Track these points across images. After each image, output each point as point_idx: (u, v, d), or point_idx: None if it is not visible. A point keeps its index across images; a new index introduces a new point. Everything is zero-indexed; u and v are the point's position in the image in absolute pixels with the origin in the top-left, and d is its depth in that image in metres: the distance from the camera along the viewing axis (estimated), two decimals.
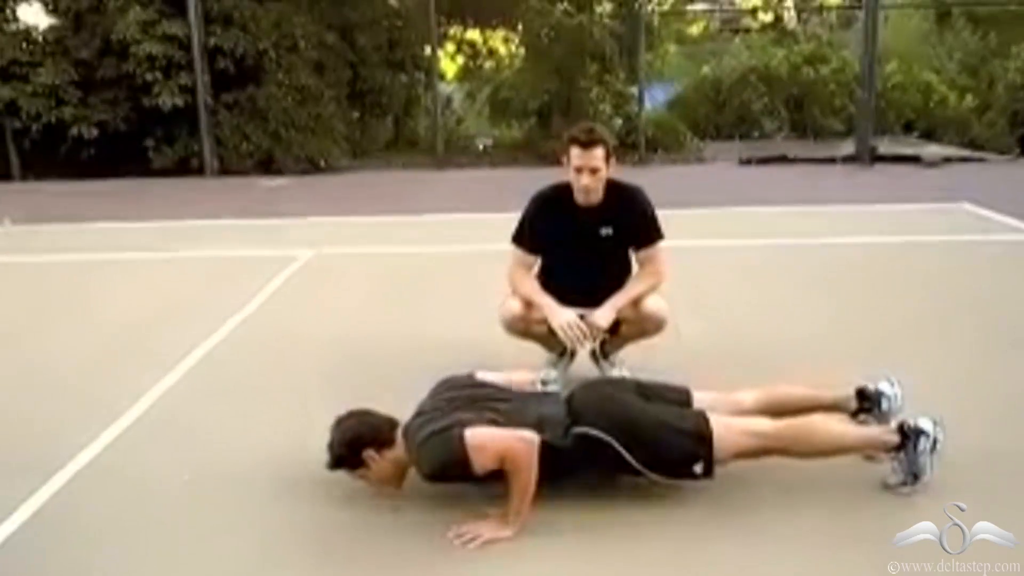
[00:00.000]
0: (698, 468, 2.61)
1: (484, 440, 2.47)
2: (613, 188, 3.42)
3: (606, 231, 3.43)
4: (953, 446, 2.67)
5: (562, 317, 3.27)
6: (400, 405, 3.05)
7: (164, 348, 4.38)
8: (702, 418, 2.67)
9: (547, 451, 2.53)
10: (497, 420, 2.60)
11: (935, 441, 2.63)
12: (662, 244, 3.49)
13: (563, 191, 3.44)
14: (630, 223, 3.44)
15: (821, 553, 2.37)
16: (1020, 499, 2.65)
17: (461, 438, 2.47)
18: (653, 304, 3.41)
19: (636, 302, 3.39)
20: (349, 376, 3.88)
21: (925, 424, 2.64)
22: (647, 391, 2.84)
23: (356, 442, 2.65)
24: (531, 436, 2.48)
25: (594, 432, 2.61)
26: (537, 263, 3.58)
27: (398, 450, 2.65)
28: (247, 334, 4.70)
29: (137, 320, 5.01)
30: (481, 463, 2.47)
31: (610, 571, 2.35)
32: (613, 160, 3.35)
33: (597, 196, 3.38)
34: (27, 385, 3.99)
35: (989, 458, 2.87)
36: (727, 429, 2.64)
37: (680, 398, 2.86)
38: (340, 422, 2.72)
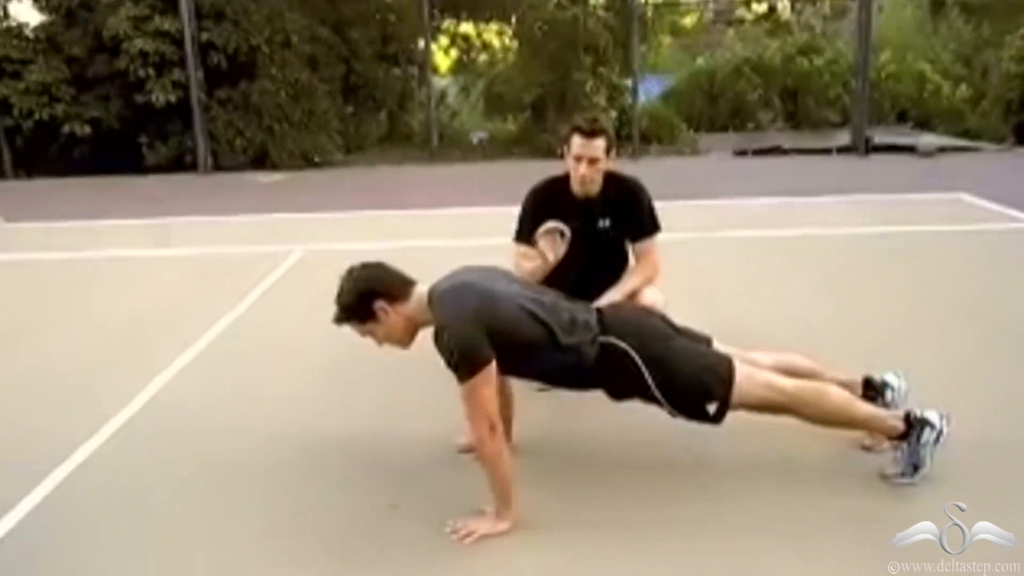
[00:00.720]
0: (711, 408, 2.59)
1: (478, 395, 2.41)
2: (612, 180, 3.41)
3: (604, 223, 3.41)
4: (951, 438, 2.66)
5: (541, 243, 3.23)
6: (396, 397, 3.04)
7: (160, 345, 4.36)
8: (727, 360, 2.65)
9: (572, 356, 2.54)
10: (533, 311, 2.56)
11: (939, 434, 2.62)
12: (657, 238, 3.48)
13: (559, 184, 3.43)
14: (629, 215, 3.43)
15: (820, 553, 2.35)
16: (1019, 493, 2.64)
17: (477, 371, 2.40)
18: (649, 296, 3.40)
19: (632, 295, 3.38)
20: (345, 371, 3.87)
21: (932, 416, 2.63)
22: (674, 324, 2.83)
23: (369, 292, 2.57)
24: (500, 430, 2.45)
25: (621, 344, 2.60)
26: None
27: (413, 306, 2.59)
28: (243, 330, 4.69)
29: (133, 317, 4.99)
30: (462, 396, 2.44)
31: (607, 566, 2.34)
32: (613, 153, 3.34)
33: (595, 187, 3.36)
34: (23, 383, 3.98)
35: (987, 451, 2.87)
36: (748, 378, 2.62)
37: (704, 340, 2.85)
38: (352, 271, 2.64)
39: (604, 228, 3.42)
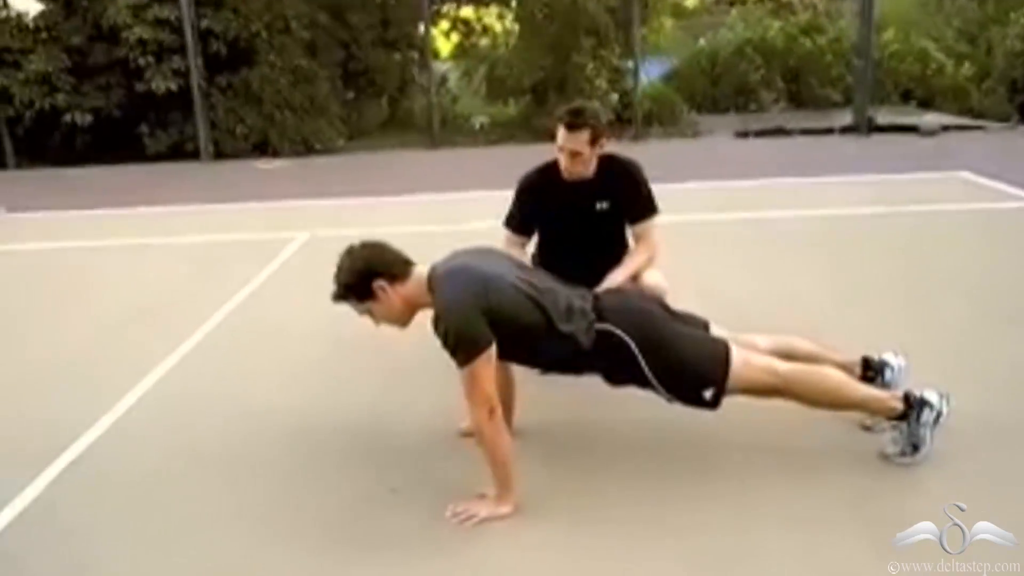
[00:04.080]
0: (708, 393, 2.60)
1: (478, 377, 2.42)
2: (608, 162, 3.41)
3: (601, 205, 3.41)
4: (953, 418, 2.67)
5: None
6: (394, 385, 3.06)
7: (162, 332, 4.38)
8: (723, 345, 2.65)
9: (568, 343, 2.54)
10: (532, 295, 2.55)
11: (939, 414, 2.63)
12: (655, 220, 3.47)
13: (552, 169, 3.43)
14: (625, 197, 3.43)
15: (821, 538, 2.36)
16: (1016, 473, 2.65)
17: (478, 355, 2.41)
18: (651, 278, 3.40)
19: (634, 276, 3.38)
20: (346, 358, 3.88)
21: (931, 396, 2.64)
22: (671, 310, 2.83)
23: (368, 271, 2.57)
24: (499, 411, 2.46)
25: (616, 331, 2.60)
26: (534, 240, 3.57)
27: (412, 287, 2.58)
28: (244, 317, 4.70)
29: (135, 306, 5.01)
30: (461, 377, 2.44)
31: (607, 548, 2.36)
32: (603, 141, 3.31)
33: (585, 173, 3.36)
34: (24, 373, 4.00)
35: (988, 431, 2.88)
36: (744, 361, 2.62)
37: (700, 324, 2.85)
38: (352, 250, 2.63)
39: (602, 210, 3.42)
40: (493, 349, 2.46)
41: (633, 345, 2.58)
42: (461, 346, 2.42)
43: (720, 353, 2.62)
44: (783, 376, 2.64)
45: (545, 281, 2.70)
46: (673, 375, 2.61)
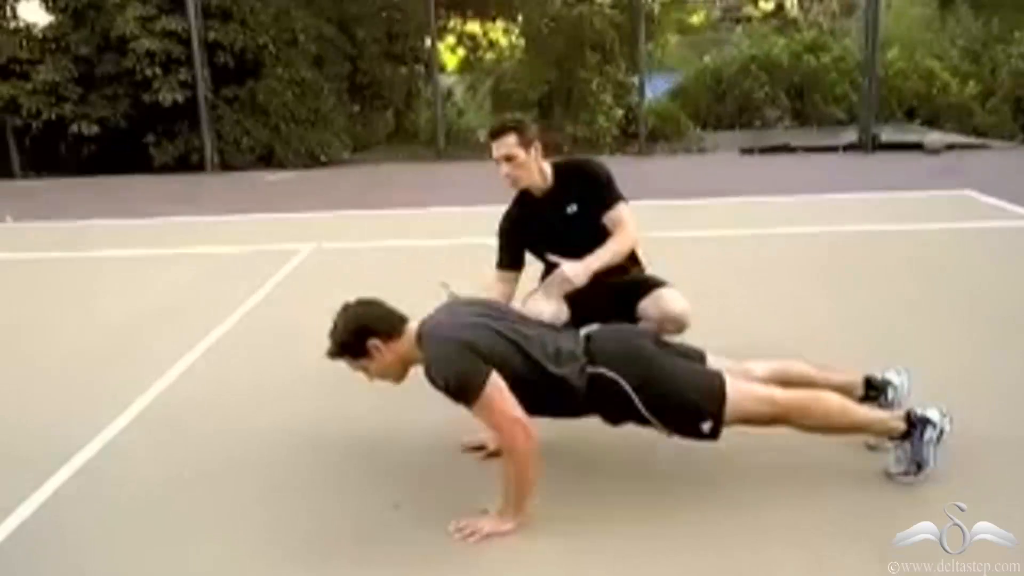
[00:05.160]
0: (706, 426, 2.57)
1: (495, 403, 2.42)
2: (565, 167, 3.45)
3: (572, 209, 3.40)
4: (955, 434, 2.66)
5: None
6: (400, 396, 3.05)
7: (166, 344, 4.38)
8: (718, 377, 2.63)
9: (562, 387, 2.54)
10: (516, 340, 2.55)
11: (941, 432, 2.61)
12: (623, 206, 3.42)
13: (521, 196, 3.48)
14: (589, 193, 3.41)
15: (820, 554, 2.34)
16: (1021, 488, 2.63)
17: (481, 385, 2.40)
18: (679, 307, 3.35)
19: (660, 304, 3.33)
20: (349, 369, 3.87)
21: (932, 414, 2.62)
22: (665, 344, 2.81)
23: (363, 329, 2.58)
24: (534, 432, 2.45)
25: (609, 374, 2.58)
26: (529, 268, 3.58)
27: (405, 344, 2.59)
28: (249, 329, 4.70)
29: (139, 316, 5.01)
30: (479, 415, 2.44)
31: (610, 565, 2.34)
32: (537, 143, 3.32)
33: (534, 180, 3.37)
34: (28, 381, 4.00)
35: (992, 447, 2.86)
36: (740, 392, 2.60)
37: (696, 357, 2.83)
38: (347, 308, 2.65)
39: (573, 213, 3.40)
40: (495, 375, 2.44)
41: (626, 385, 2.57)
42: (461, 386, 2.43)
43: (715, 385, 2.61)
44: (782, 405, 2.62)
45: (531, 327, 2.70)
46: (669, 410, 2.60)
